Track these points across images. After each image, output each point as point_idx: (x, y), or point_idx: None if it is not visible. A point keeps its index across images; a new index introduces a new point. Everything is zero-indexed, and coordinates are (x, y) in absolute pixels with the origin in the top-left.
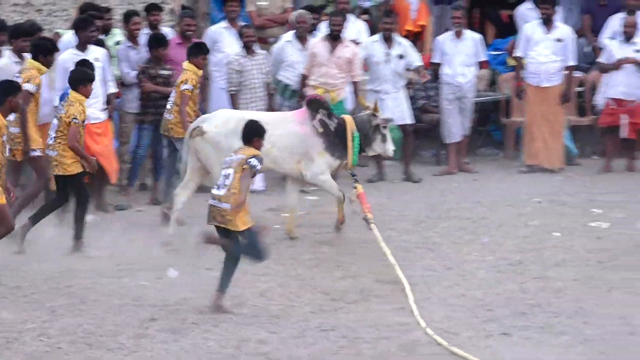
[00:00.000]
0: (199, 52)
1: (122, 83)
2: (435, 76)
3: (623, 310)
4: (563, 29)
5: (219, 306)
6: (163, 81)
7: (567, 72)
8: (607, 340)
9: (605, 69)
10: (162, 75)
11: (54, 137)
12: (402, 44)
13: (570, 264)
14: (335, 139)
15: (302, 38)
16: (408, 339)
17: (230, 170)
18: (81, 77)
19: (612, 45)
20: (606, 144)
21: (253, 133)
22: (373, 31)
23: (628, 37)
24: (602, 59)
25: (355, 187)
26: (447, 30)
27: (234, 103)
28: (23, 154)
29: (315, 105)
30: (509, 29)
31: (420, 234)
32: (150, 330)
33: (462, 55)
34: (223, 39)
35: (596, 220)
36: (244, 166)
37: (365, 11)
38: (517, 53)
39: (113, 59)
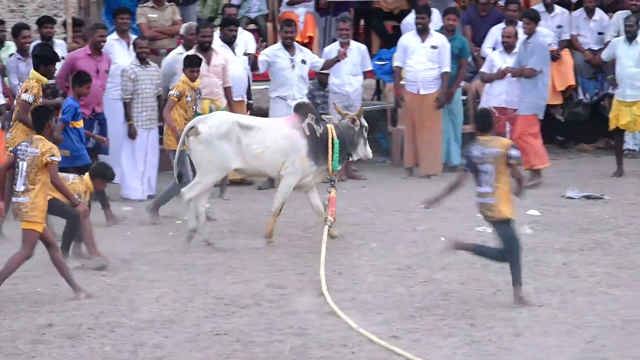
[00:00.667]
0: (187, 64)
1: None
2: (322, 85)
3: (508, 313)
4: (438, 37)
5: (521, 298)
6: (52, 92)
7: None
8: (494, 341)
9: (488, 78)
10: (51, 85)
11: None
12: (303, 50)
13: (456, 267)
14: (318, 146)
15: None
16: (300, 342)
17: (489, 166)
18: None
19: (493, 55)
20: None
21: (491, 121)
22: (263, 40)
23: (508, 47)
24: (484, 68)
25: (329, 192)
26: (334, 40)
27: (127, 111)
28: None
29: (304, 109)
30: (393, 40)
31: (310, 239)
32: (48, 336)
33: (348, 65)
34: (114, 50)
35: (480, 224)
36: (511, 161)
37: (251, 21)
38: (396, 63)
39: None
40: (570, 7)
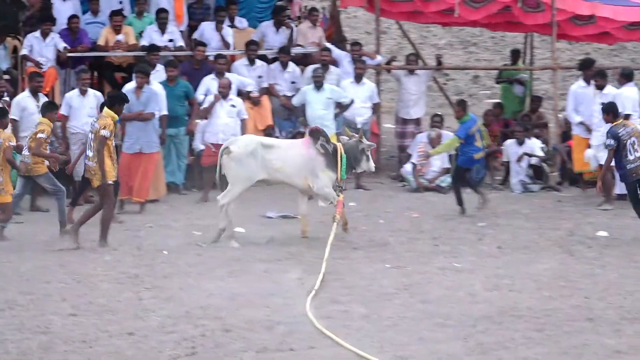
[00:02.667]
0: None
1: None
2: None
3: (219, 312)
4: (156, 85)
5: None
6: None
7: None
8: (204, 337)
9: (201, 116)
10: None
11: None
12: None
13: (176, 276)
14: (332, 159)
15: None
16: (46, 339)
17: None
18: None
19: (207, 100)
20: (205, 180)
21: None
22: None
23: (224, 95)
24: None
25: (338, 195)
26: (72, 89)
27: None
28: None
29: (316, 134)
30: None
31: (54, 253)
32: None
33: (87, 108)
34: None
35: (197, 240)
36: None
37: (5, 72)
38: None
39: None
40: (268, 61)
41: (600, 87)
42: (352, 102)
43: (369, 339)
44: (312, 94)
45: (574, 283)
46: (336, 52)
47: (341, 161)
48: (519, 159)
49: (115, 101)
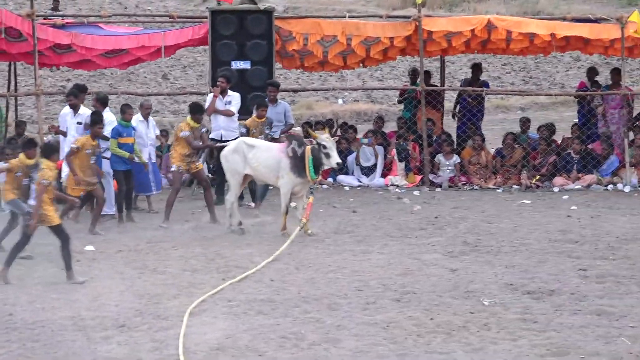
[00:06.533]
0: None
1: None
2: None
3: None
4: None
5: None
6: None
7: None
8: None
9: None
10: None
11: None
12: None
13: None
14: (300, 164)
15: None
16: None
17: None
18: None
19: None
20: None
21: None
22: None
23: None
24: None
25: (308, 197)
26: None
27: None
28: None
29: (290, 138)
30: None
31: None
32: None
33: None
34: None
35: None
36: None
37: None
38: None
39: None
40: None
41: (74, 107)
42: None
43: None
44: None
45: (67, 294)
46: None
47: (309, 163)
48: None
49: (193, 111)
